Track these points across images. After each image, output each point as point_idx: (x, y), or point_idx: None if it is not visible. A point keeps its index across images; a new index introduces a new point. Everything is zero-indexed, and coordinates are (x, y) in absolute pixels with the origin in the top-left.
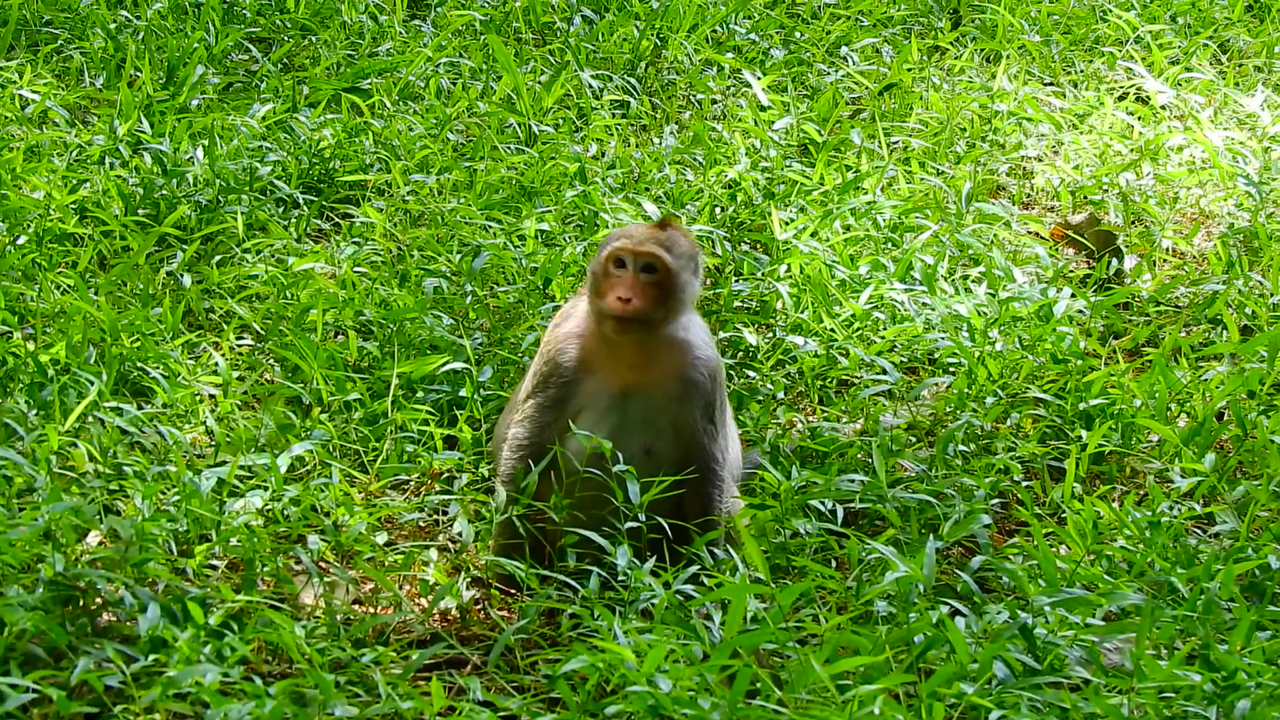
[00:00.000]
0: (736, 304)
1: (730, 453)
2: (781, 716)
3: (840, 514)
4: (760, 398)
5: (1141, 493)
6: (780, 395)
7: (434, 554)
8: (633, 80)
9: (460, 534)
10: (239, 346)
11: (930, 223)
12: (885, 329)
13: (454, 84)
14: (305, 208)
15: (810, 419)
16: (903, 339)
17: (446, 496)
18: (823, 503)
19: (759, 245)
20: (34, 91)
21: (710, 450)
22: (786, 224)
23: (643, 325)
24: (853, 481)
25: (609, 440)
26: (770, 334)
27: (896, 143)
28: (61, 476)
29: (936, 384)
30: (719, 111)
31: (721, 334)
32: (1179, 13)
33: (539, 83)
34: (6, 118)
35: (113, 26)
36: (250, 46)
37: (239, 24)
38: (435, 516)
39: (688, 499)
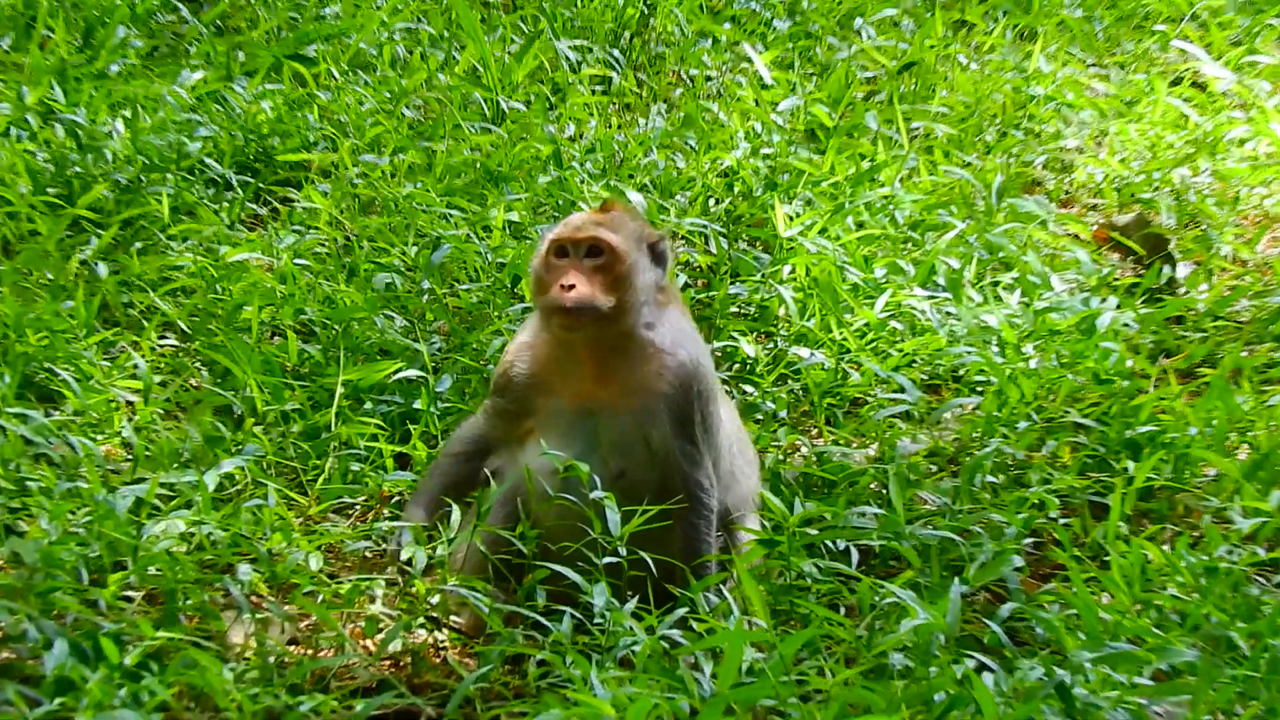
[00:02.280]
0: (733, 310)
1: (727, 473)
2: None
3: (853, 554)
4: (759, 417)
5: (1196, 534)
6: (782, 414)
7: (382, 588)
8: (616, 52)
9: (413, 565)
10: (162, 347)
11: (956, 220)
12: (903, 341)
13: (411, 53)
14: (240, 190)
15: (817, 442)
16: (924, 353)
17: (397, 523)
18: (834, 541)
19: (759, 243)
20: None
21: (691, 475)
22: (791, 219)
23: (595, 320)
24: (865, 515)
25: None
26: (771, 345)
27: (917, 129)
28: None
29: (961, 405)
30: (714, 90)
31: (716, 343)
32: None
33: (509, 53)
34: None
35: None
36: (179, 5)
37: None
38: (384, 546)
39: (674, 530)
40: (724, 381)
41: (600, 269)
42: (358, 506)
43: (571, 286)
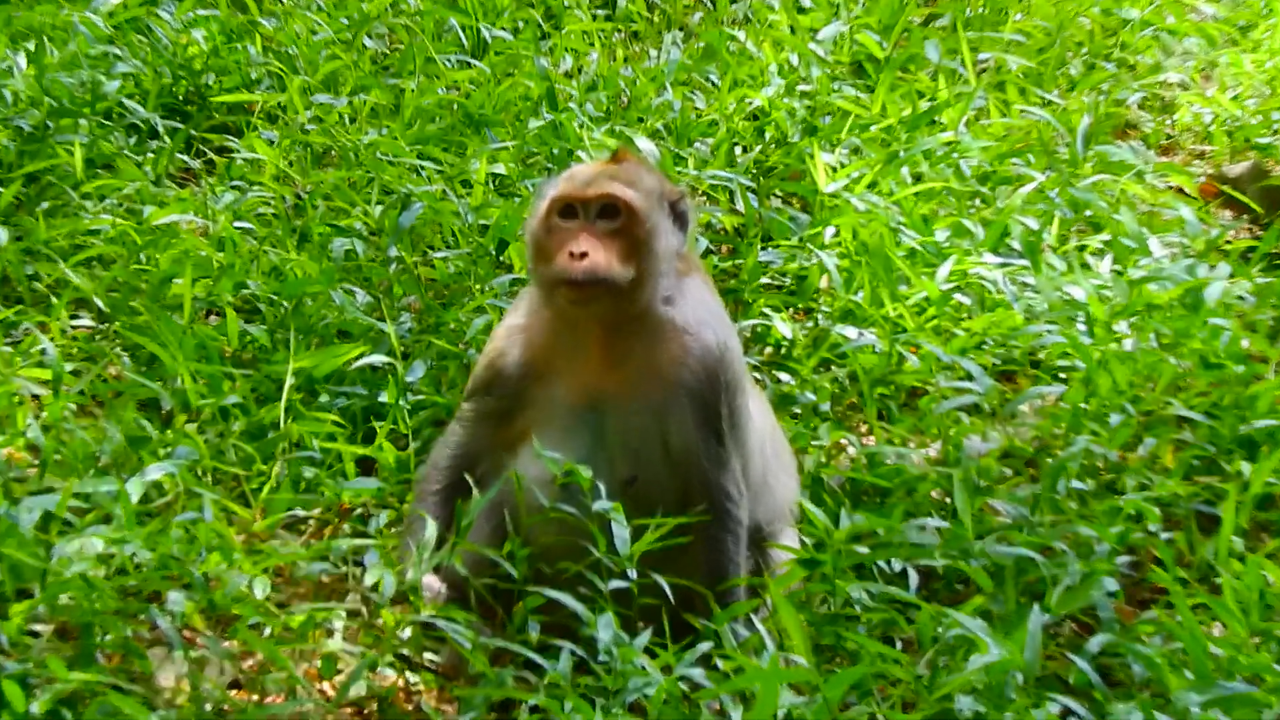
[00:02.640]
0: (764, 280)
1: (759, 479)
2: None
3: (911, 576)
4: (797, 410)
5: None
6: (825, 407)
7: (342, 619)
8: None
9: (378, 592)
10: (75, 329)
11: (1033, 172)
12: (971, 319)
13: None
14: (167, 138)
15: (867, 441)
16: (995, 333)
17: (360, 541)
18: (888, 561)
19: (796, 200)
20: None
21: (718, 481)
22: (834, 171)
23: (610, 293)
24: (925, 530)
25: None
26: (811, 323)
27: (986, 61)
28: None
29: (1042, 396)
30: (741, 14)
31: (744, 322)
32: None
33: None
34: None
35: None
36: None
37: None
38: (345, 569)
39: (695, 548)
40: (754, 369)
41: (616, 233)
42: (312, 521)
43: (584, 255)
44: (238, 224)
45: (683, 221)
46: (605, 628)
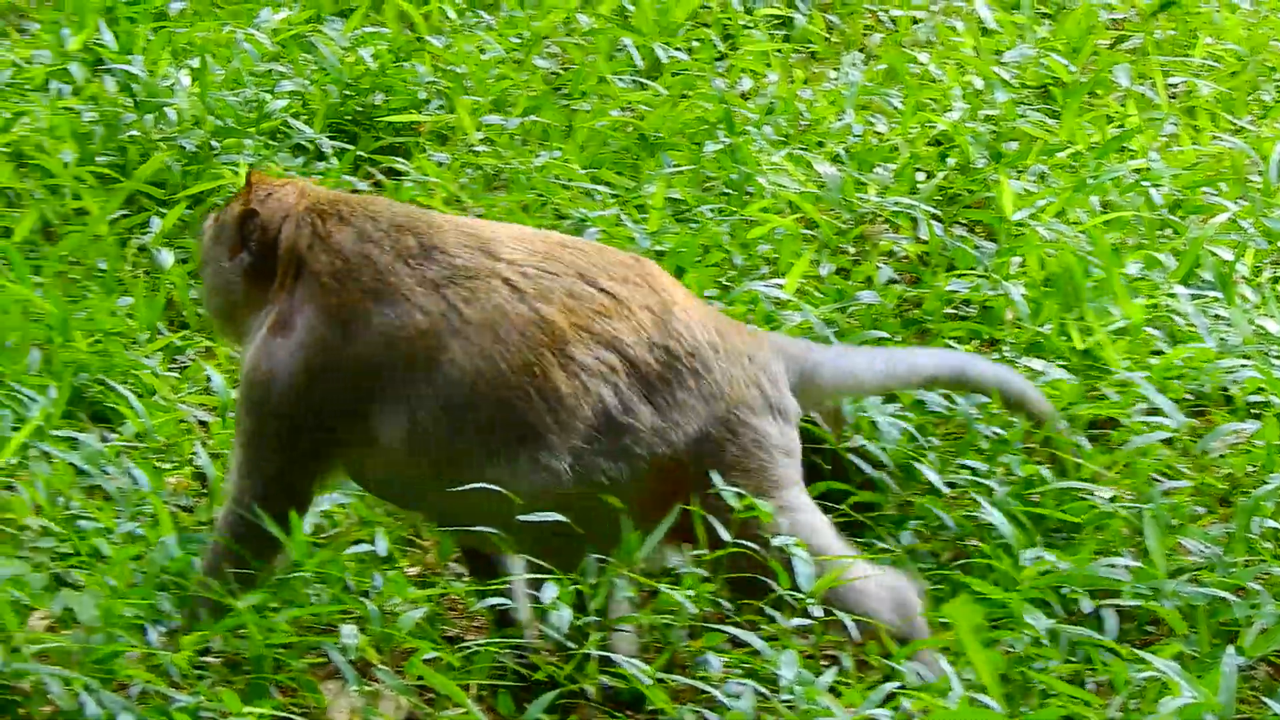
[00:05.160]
0: (948, 310)
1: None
2: None
3: (1109, 618)
4: (984, 445)
5: None
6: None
7: (513, 653)
8: None
9: (553, 627)
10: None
11: (1227, 201)
12: (1164, 352)
13: None
14: (335, 159)
15: (1055, 476)
16: (1187, 367)
17: (534, 575)
18: (1075, 599)
19: (980, 228)
20: None
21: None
22: (1021, 198)
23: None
24: (1114, 567)
25: None
26: (997, 353)
27: (1176, 86)
28: None
29: (1235, 432)
30: (923, 36)
31: None
32: None
33: None
34: None
35: None
36: None
37: None
38: (513, 603)
39: None
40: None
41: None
42: None
43: None
44: None
45: (247, 241)
46: (788, 665)
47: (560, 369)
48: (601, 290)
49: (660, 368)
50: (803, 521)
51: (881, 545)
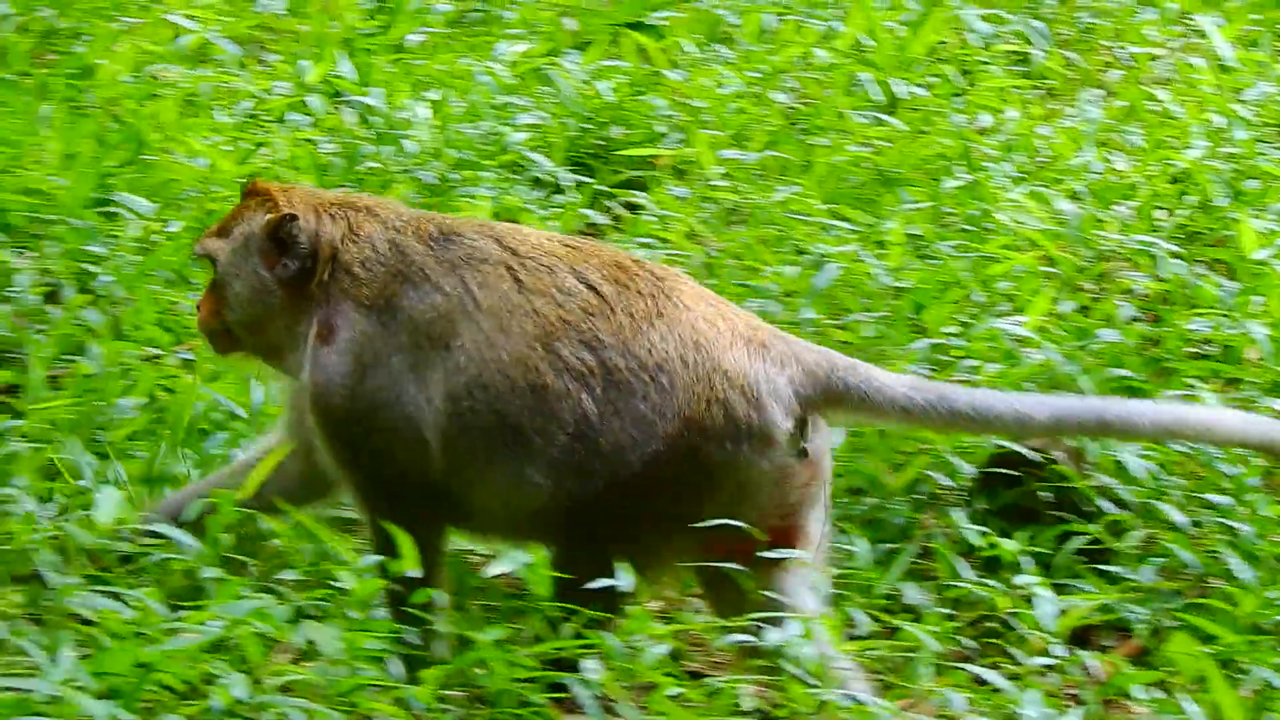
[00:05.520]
0: (1189, 349)
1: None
2: None
3: None
4: (1226, 484)
5: None
6: (1254, 480)
7: (756, 690)
8: (1037, 23)
9: (791, 661)
10: None
11: None
12: None
13: (782, 22)
14: (574, 192)
15: None
16: None
17: (774, 613)
18: None
19: (1220, 266)
20: (190, 17)
21: None
22: (1262, 237)
23: (216, 342)
24: None
25: None
26: (1238, 395)
27: None
28: (238, 564)
29: None
30: (1162, 72)
31: (1168, 392)
32: None
33: (903, 23)
34: (153, 52)
35: None
36: None
37: None
38: (758, 639)
39: None
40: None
41: (214, 284)
42: None
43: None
44: None
45: (286, 247)
46: (1032, 704)
47: (548, 364)
48: (590, 287)
49: (629, 376)
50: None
51: (1126, 579)
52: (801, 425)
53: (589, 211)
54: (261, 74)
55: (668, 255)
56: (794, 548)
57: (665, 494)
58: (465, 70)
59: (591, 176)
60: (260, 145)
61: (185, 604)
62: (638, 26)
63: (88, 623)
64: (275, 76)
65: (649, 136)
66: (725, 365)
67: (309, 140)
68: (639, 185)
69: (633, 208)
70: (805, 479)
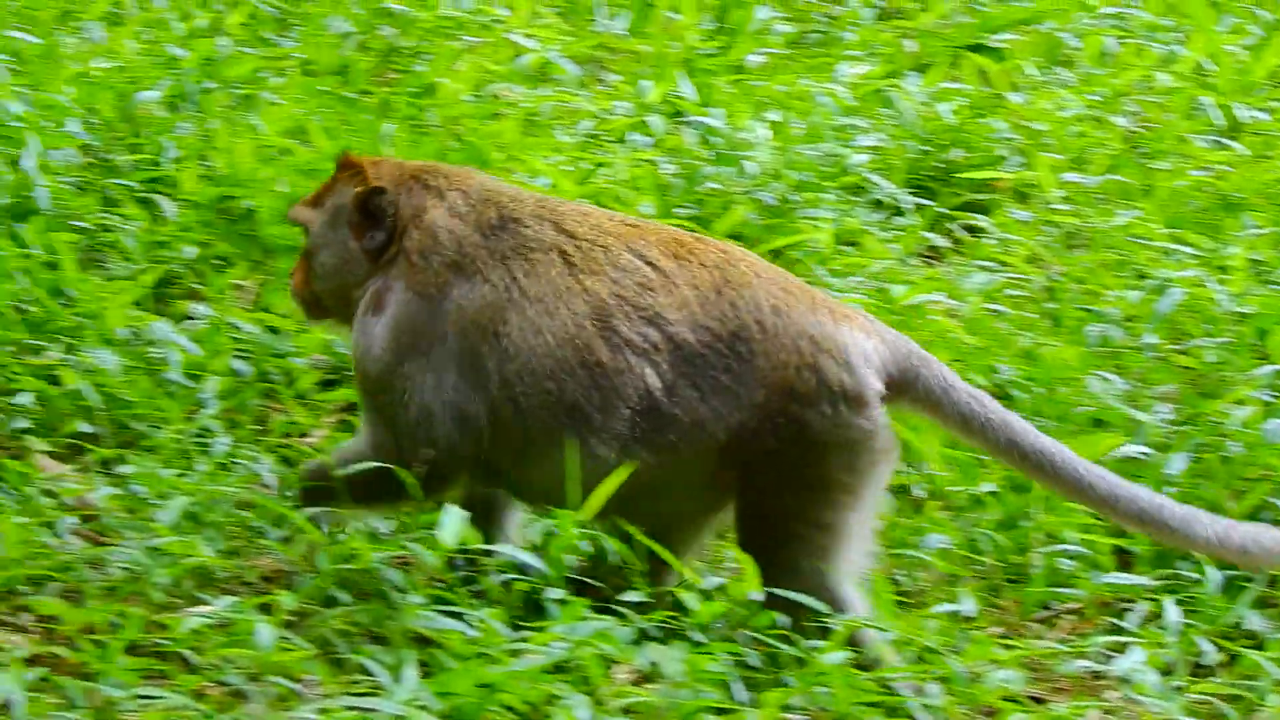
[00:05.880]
0: None
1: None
2: None
3: None
4: None
5: None
6: None
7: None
8: None
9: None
10: None
11: None
12: None
13: (1123, 45)
14: (915, 215)
15: None
16: None
17: (1117, 637)
18: None
19: None
20: (530, 36)
21: None
22: None
23: (307, 310)
24: None
25: None
26: None
27: None
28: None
29: None
30: None
31: None
32: None
33: (1245, 47)
34: (494, 72)
35: None
36: None
37: None
38: (1102, 665)
39: None
40: None
41: (307, 253)
42: (1064, 616)
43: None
44: (988, 306)
45: (375, 219)
46: None
47: (603, 341)
48: (649, 263)
49: (702, 348)
50: (814, 545)
51: None
52: (887, 393)
53: (930, 234)
54: (602, 94)
55: (1008, 279)
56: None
57: (769, 465)
58: (805, 91)
59: (932, 199)
60: (600, 165)
61: (528, 624)
62: (978, 49)
63: (431, 643)
64: (616, 96)
65: (989, 159)
66: (810, 330)
67: (649, 160)
68: (980, 208)
69: (973, 231)
70: (891, 447)
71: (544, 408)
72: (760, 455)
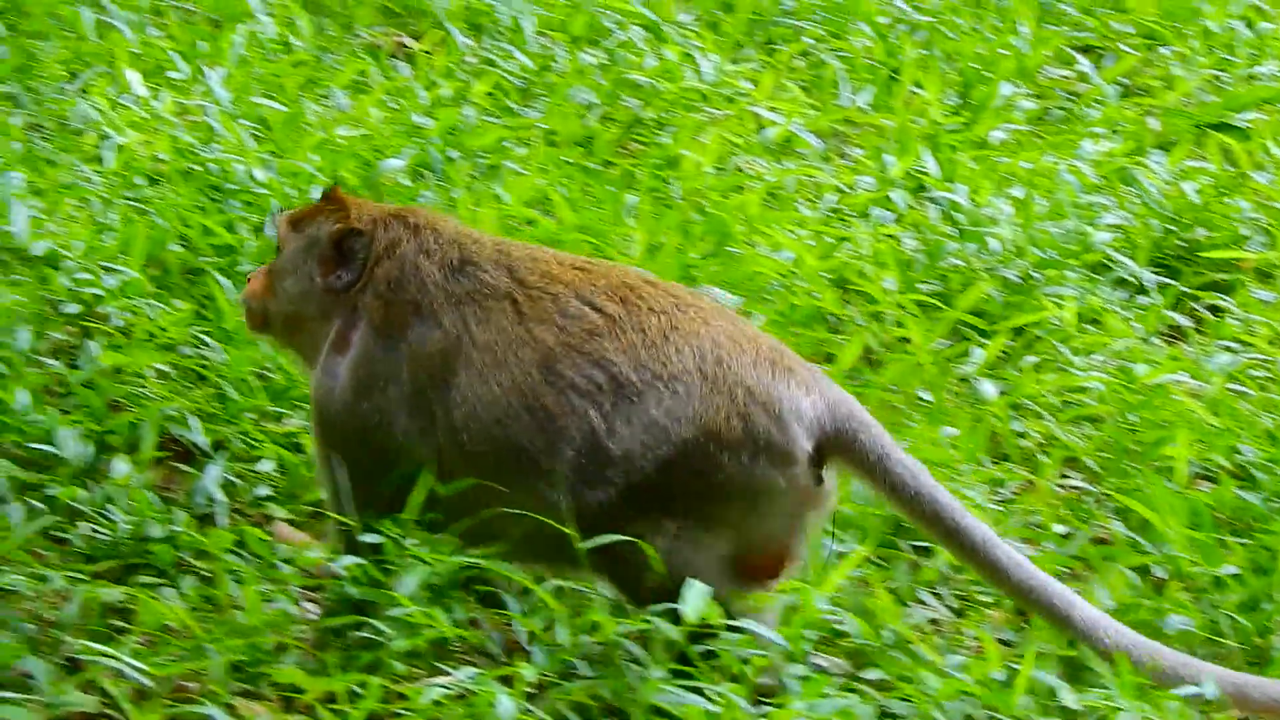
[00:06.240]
0: None
1: None
2: None
3: None
4: None
5: None
6: None
7: None
8: None
9: None
10: (1064, 488)
11: None
12: None
13: None
14: (1157, 294)
15: None
16: None
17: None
18: None
19: None
20: (773, 109)
21: None
22: None
23: (251, 319)
24: None
25: None
26: None
27: None
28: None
29: None
30: None
31: None
32: None
33: None
34: (738, 144)
35: (884, 21)
36: (1077, 57)
37: (1060, 25)
38: None
39: None
40: None
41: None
42: None
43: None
44: (1231, 387)
45: (346, 260)
46: None
47: (549, 387)
48: (596, 310)
49: (642, 387)
50: (681, 560)
51: None
52: (820, 452)
53: (1172, 313)
54: (845, 168)
55: (1251, 359)
56: (784, 572)
57: (678, 501)
58: (1049, 168)
59: (1175, 278)
60: (843, 239)
61: (768, 700)
62: (1222, 127)
63: (671, 717)
64: (859, 170)
65: (1233, 238)
66: (748, 381)
67: (891, 236)
68: (1223, 288)
69: (1216, 310)
70: (814, 505)
71: (491, 454)
72: (669, 484)
